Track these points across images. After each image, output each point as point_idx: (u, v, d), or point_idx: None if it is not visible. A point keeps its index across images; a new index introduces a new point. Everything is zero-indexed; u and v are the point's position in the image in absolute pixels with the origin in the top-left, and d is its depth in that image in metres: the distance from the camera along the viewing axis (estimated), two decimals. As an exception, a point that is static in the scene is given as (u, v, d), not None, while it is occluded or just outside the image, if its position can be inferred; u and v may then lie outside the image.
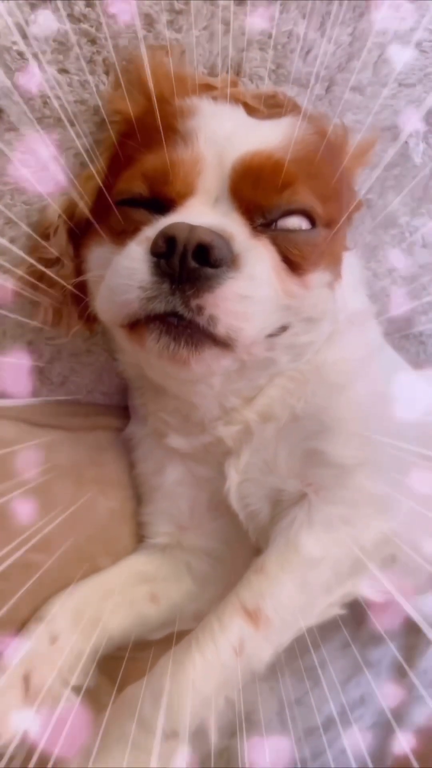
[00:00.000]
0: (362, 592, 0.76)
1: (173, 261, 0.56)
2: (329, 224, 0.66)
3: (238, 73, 0.73)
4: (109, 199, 0.65)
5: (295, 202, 0.62)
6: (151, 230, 0.59)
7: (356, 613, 1.55)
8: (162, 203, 0.62)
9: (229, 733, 1.55)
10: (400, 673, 1.84)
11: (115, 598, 0.79)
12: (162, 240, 0.56)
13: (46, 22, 0.61)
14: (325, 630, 1.50)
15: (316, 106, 0.79)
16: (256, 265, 0.59)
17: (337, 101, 0.81)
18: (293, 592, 0.70)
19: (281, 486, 0.76)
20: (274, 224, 0.62)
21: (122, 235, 0.63)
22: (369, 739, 1.85)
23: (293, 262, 0.63)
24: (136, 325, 0.61)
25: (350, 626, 1.55)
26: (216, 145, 0.62)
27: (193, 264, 0.56)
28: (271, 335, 0.65)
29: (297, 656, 1.51)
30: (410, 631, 1.74)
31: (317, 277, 0.66)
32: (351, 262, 0.80)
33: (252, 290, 0.59)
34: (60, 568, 0.77)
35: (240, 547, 0.84)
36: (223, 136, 0.62)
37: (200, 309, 0.56)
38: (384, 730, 1.91)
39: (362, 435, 0.75)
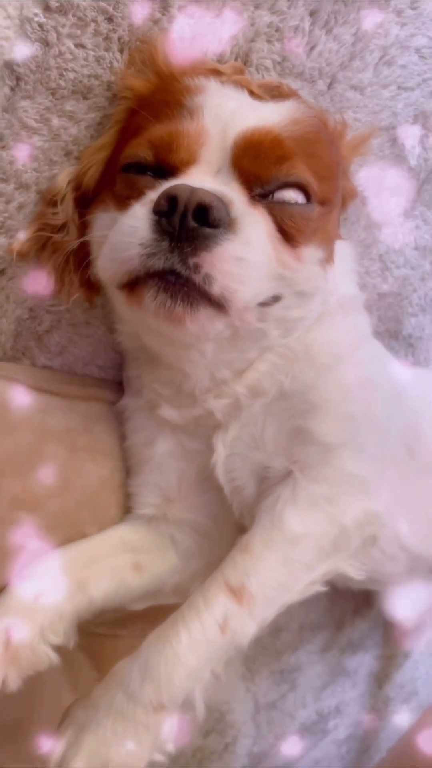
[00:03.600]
0: (343, 570, 0.78)
1: (174, 219, 0.59)
2: (323, 202, 0.69)
3: (245, 62, 0.77)
4: (115, 167, 0.68)
5: (291, 176, 0.65)
6: (155, 192, 0.62)
7: (335, 617, 1.57)
8: (166, 170, 0.65)
9: (203, 732, 1.55)
10: (376, 685, 1.85)
11: (100, 563, 0.81)
12: (164, 199, 0.59)
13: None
14: (304, 631, 1.52)
15: (318, 101, 0.83)
16: (252, 230, 0.63)
17: (337, 98, 0.85)
18: (276, 569, 0.71)
19: (267, 462, 0.78)
20: (271, 195, 0.66)
21: (127, 200, 0.66)
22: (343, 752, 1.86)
23: (288, 233, 0.66)
24: (135, 285, 0.64)
25: (329, 630, 1.57)
26: (220, 120, 0.65)
27: (192, 223, 0.59)
28: (263, 304, 0.68)
29: (274, 657, 1.52)
30: (388, 641, 1.75)
31: (310, 252, 0.69)
32: (345, 252, 0.84)
33: (247, 253, 0.62)
34: (48, 528, 0.79)
35: (224, 524, 0.86)
36: (227, 112, 0.66)
37: (197, 267, 0.59)
38: (358, 742, 1.92)
39: (346, 415, 0.78)
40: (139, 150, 0.65)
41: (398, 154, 0.94)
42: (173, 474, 0.86)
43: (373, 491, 0.79)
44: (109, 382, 0.91)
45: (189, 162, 0.64)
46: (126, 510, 0.88)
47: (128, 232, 0.61)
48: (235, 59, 0.76)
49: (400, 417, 0.88)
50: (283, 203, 0.66)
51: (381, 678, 1.81)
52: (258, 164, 0.65)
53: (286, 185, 0.66)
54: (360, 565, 0.79)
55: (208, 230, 0.59)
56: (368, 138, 0.79)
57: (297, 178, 0.65)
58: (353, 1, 0.79)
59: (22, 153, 0.70)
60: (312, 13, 0.78)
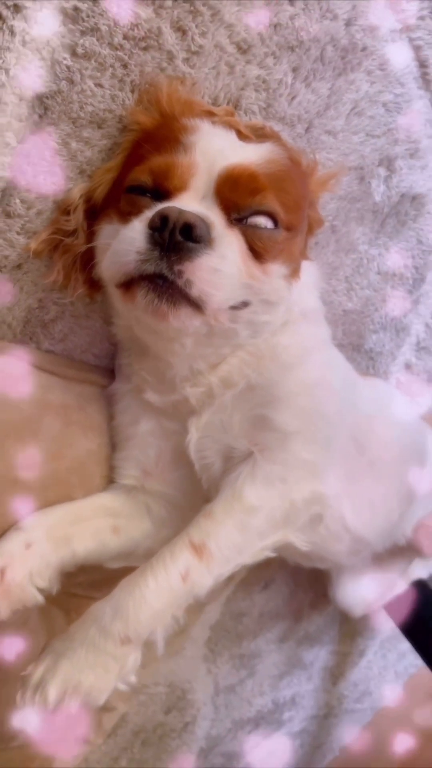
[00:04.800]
0: (291, 541, 0.91)
1: (164, 234, 0.72)
2: (289, 228, 0.83)
3: (235, 106, 0.91)
4: (121, 187, 0.82)
5: (263, 205, 0.79)
6: (151, 212, 0.75)
7: (294, 608, 1.69)
8: (161, 193, 0.79)
9: (165, 708, 1.67)
10: (331, 681, 1.96)
11: (83, 523, 0.93)
12: (158, 217, 0.73)
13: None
14: (265, 619, 1.64)
15: (296, 141, 0.98)
16: (227, 247, 0.76)
17: (313, 140, 0.99)
18: (233, 533, 0.84)
19: (233, 444, 0.90)
20: (245, 220, 0.79)
21: (128, 215, 0.79)
22: (296, 746, 1.95)
23: (257, 252, 0.80)
24: (130, 285, 0.77)
25: (288, 621, 1.69)
26: (208, 156, 0.79)
27: (179, 238, 0.72)
28: (234, 308, 0.81)
29: (236, 641, 1.63)
30: (344, 637, 1.87)
31: (275, 268, 0.82)
32: (311, 271, 0.97)
33: (222, 265, 0.75)
34: (41, 489, 0.91)
35: (193, 498, 0.98)
36: (215, 150, 0.79)
37: (180, 273, 0.73)
38: (312, 737, 2.02)
39: (302, 408, 0.91)
40: (142, 176, 0.79)
41: (365, 191, 1.08)
42: (152, 451, 0.98)
43: (321, 476, 0.92)
44: (102, 368, 1.04)
45: (181, 188, 0.78)
46: (109, 480, 1.00)
47: (128, 241, 0.75)
48: (227, 103, 0.90)
49: (351, 416, 1.01)
50: (255, 227, 0.79)
51: (336, 674, 1.90)
52: (236, 194, 0.78)
53: (258, 213, 0.79)
54: (307, 539, 0.92)
55: (191, 244, 0.73)
56: (335, 176, 0.93)
57: (267, 208, 0.79)
58: (330, 62, 0.94)
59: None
60: (294, 69, 0.92)
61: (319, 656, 1.81)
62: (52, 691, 0.76)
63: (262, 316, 0.86)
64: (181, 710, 1.63)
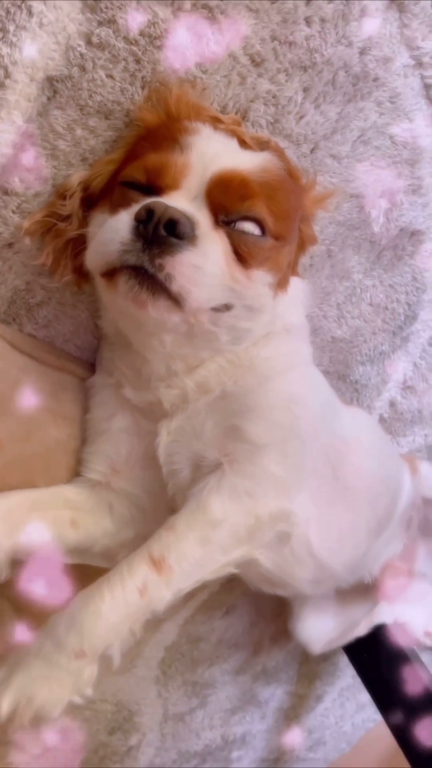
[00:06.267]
0: (255, 557, 0.90)
1: (149, 227, 0.73)
2: (277, 237, 0.83)
3: (243, 117, 0.93)
4: (117, 180, 0.83)
5: (251, 211, 0.80)
6: (139, 205, 0.76)
7: (254, 640, 1.65)
8: (153, 190, 0.80)
9: (109, 729, 1.62)
10: (285, 724, 1.90)
11: (42, 512, 0.91)
12: (144, 210, 0.74)
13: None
14: (222, 647, 1.60)
15: (300, 161, 0.99)
16: (211, 247, 0.77)
17: (317, 162, 1.01)
18: (195, 547, 0.82)
19: (203, 453, 0.90)
20: (233, 224, 0.80)
21: (119, 207, 0.80)
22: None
23: (242, 256, 0.80)
24: (113, 274, 0.77)
25: (246, 652, 1.65)
26: (203, 158, 0.80)
27: (162, 232, 0.73)
28: (216, 310, 0.81)
29: (190, 667, 1.59)
30: (302, 678, 1.82)
31: (259, 275, 0.83)
32: (301, 288, 0.98)
33: (203, 264, 0.76)
34: (2, 470, 0.91)
35: (158, 502, 0.97)
36: (211, 153, 0.81)
37: (161, 267, 0.73)
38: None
39: (275, 422, 0.90)
40: (136, 172, 0.81)
41: (364, 220, 1.10)
42: (124, 448, 0.97)
43: (290, 493, 0.91)
44: (82, 360, 1.04)
45: (172, 187, 0.79)
46: (75, 474, 0.99)
47: (113, 231, 0.76)
48: (236, 113, 0.92)
49: (327, 437, 1.00)
50: (242, 232, 0.80)
51: (290, 717, 1.84)
52: (225, 197, 0.79)
53: (246, 218, 0.80)
54: (271, 557, 0.91)
55: (174, 240, 0.74)
56: (331, 196, 0.94)
57: (255, 214, 0.80)
58: (341, 87, 0.96)
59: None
60: (305, 89, 0.94)
61: (275, 695, 1.76)
62: (5, 704, 0.75)
63: (244, 322, 0.86)
64: (126, 732, 1.58)
